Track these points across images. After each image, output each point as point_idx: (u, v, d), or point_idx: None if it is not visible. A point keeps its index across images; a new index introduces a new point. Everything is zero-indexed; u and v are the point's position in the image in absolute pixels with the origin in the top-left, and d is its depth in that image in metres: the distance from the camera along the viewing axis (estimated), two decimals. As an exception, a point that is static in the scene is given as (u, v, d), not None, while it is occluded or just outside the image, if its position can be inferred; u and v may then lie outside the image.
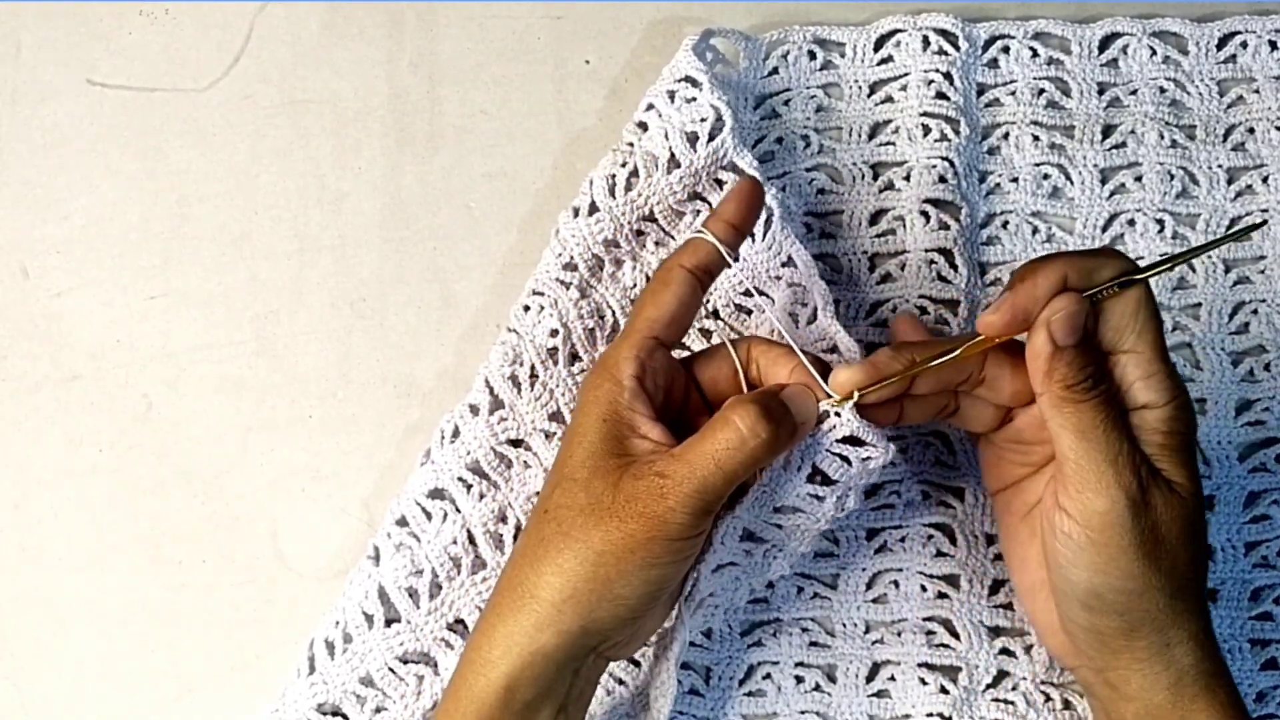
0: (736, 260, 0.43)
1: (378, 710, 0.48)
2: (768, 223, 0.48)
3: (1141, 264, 0.42)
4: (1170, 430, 0.41)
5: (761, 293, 0.50)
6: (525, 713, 0.40)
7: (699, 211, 0.50)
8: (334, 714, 0.49)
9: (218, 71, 0.56)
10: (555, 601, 0.39)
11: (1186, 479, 0.41)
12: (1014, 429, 0.44)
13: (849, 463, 0.42)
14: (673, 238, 0.51)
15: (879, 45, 0.54)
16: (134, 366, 0.53)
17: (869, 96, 0.54)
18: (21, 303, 0.54)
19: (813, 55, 0.54)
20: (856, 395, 0.41)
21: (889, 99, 0.54)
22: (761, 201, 0.45)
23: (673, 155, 0.49)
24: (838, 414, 0.42)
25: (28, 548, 0.52)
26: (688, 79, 0.49)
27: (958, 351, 0.42)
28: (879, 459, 0.43)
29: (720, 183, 0.49)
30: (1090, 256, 0.41)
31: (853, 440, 0.42)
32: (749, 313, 0.51)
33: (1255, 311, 0.52)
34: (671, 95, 0.49)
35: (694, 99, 0.49)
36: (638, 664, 0.50)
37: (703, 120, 0.48)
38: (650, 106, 0.50)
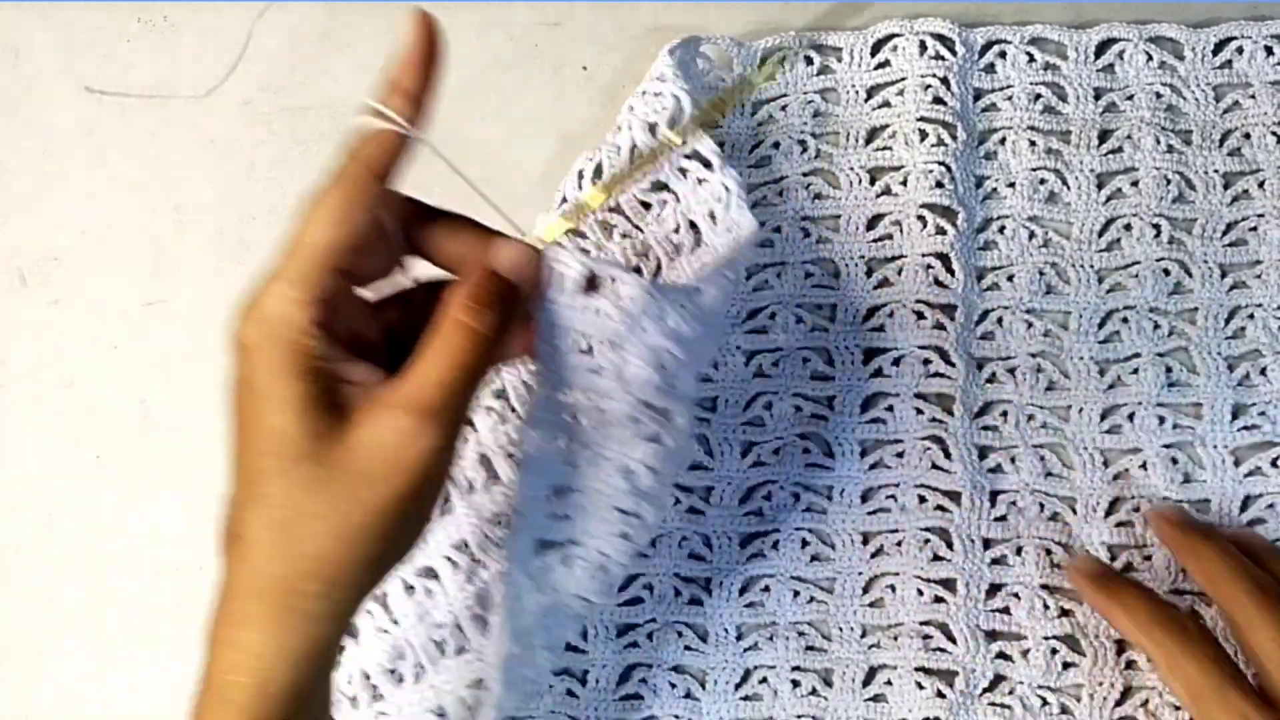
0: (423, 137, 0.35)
1: None
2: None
3: None
4: None
5: (665, 186, 0.50)
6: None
7: (664, 202, 0.50)
8: None
9: (216, 78, 0.56)
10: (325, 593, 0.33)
11: None
12: None
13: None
14: (639, 229, 0.51)
15: (875, 50, 0.55)
16: (131, 373, 0.53)
17: (865, 101, 0.54)
18: (19, 309, 0.54)
19: (809, 60, 0.55)
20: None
21: (886, 104, 0.54)
22: (440, 47, 0.35)
23: (634, 145, 0.49)
24: (558, 244, 0.36)
25: (24, 554, 0.52)
26: (658, 77, 0.50)
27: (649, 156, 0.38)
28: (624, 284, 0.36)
29: (684, 171, 0.49)
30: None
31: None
32: (648, 206, 0.51)
33: (1251, 316, 0.52)
34: (643, 94, 0.50)
35: (659, 93, 0.49)
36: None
37: (664, 109, 0.49)
38: (630, 109, 0.51)
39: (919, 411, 0.51)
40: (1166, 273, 0.52)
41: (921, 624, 0.50)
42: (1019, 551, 0.50)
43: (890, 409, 0.51)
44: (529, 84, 0.55)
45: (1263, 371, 0.51)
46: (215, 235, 0.54)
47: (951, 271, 0.52)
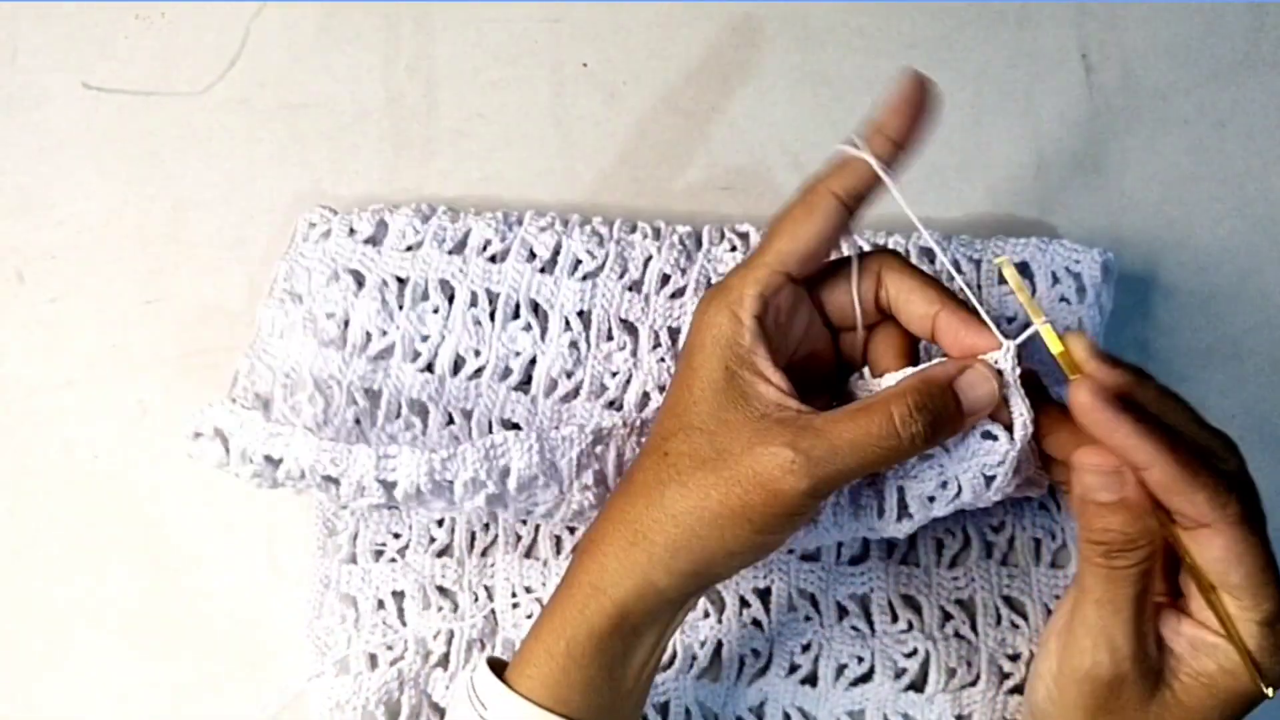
0: (895, 180, 0.37)
1: None
2: None
3: None
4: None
5: None
6: (631, 636, 0.39)
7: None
8: None
9: (214, 75, 0.55)
10: (669, 546, 0.38)
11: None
12: None
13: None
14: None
15: None
16: (129, 372, 0.53)
17: None
18: (16, 308, 0.54)
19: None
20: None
21: None
22: (929, 105, 0.38)
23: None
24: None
25: (22, 554, 0.52)
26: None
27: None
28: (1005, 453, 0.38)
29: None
30: (1191, 481, 0.35)
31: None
32: None
33: None
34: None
35: None
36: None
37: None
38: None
39: None
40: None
41: None
42: None
43: None
44: (529, 81, 0.55)
45: None
46: (213, 233, 0.54)
47: None
